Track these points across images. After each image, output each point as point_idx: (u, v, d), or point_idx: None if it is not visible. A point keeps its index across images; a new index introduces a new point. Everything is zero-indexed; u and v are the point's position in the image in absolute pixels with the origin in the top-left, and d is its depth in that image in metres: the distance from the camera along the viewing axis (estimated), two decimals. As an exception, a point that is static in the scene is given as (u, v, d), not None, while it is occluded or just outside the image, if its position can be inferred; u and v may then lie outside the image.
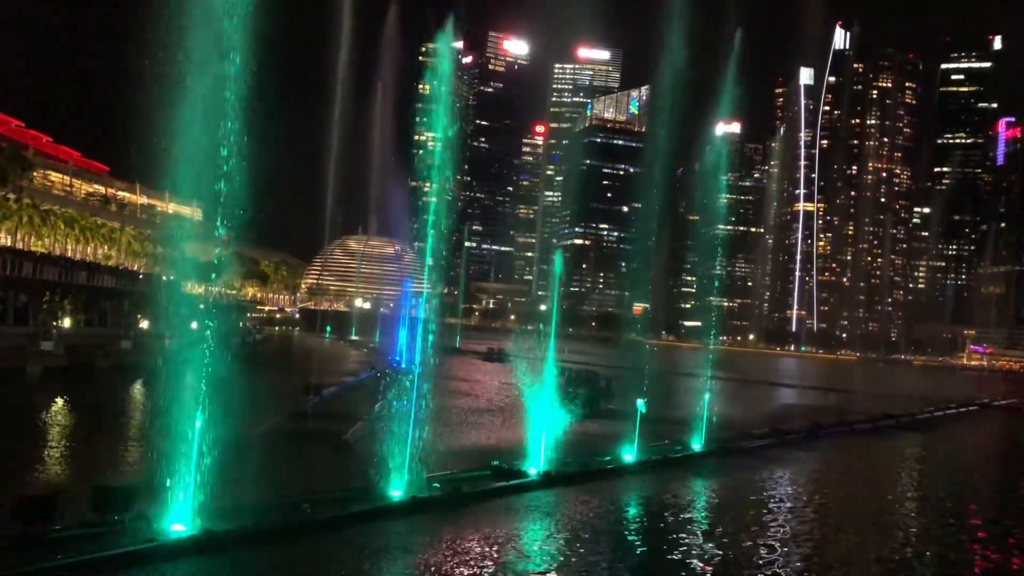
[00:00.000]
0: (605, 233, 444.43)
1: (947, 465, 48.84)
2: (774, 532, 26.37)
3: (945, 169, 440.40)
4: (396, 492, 24.49)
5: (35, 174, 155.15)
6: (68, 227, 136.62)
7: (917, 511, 32.80)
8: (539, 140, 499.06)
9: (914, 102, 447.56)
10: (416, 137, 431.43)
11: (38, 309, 60.16)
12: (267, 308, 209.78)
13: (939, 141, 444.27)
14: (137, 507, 19.29)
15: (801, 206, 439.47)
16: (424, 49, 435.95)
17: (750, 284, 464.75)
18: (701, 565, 21.89)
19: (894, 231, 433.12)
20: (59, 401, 43.24)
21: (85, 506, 19.04)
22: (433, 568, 19.73)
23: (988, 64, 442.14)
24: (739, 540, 24.93)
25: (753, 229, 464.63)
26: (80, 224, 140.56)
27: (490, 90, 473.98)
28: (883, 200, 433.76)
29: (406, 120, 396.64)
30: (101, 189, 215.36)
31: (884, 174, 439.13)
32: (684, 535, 25.14)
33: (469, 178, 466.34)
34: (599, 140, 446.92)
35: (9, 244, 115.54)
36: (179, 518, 19.42)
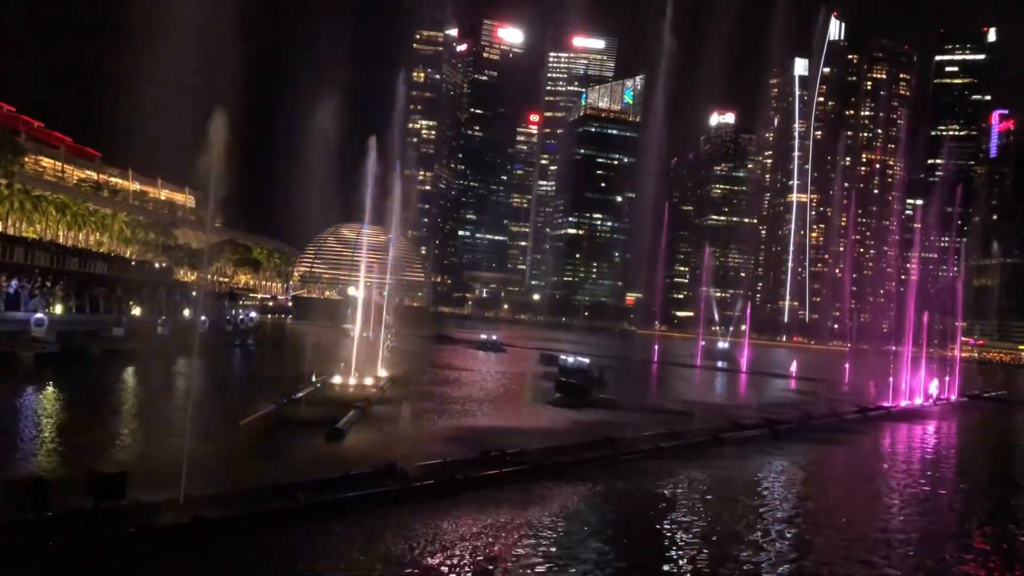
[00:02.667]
0: (599, 223, 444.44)
1: (935, 451, 49.25)
2: (764, 518, 26.56)
3: (938, 161, 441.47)
4: (390, 479, 24.55)
5: (27, 159, 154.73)
6: (60, 213, 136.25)
7: (907, 495, 33.04)
8: (533, 129, 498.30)
9: (908, 94, 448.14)
10: (410, 125, 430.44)
11: (30, 295, 59.84)
12: (260, 296, 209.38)
13: (932, 133, 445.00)
14: (130, 493, 19.29)
15: (794, 197, 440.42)
16: (419, 36, 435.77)
17: (743, 275, 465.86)
18: (694, 549, 22.07)
19: (886, 222, 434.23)
20: (51, 387, 43.18)
21: (78, 492, 19.02)
22: (426, 555, 19.82)
23: (982, 56, 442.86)
24: (731, 526, 25.10)
25: (746, 220, 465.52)
26: (72, 210, 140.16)
27: (484, 78, 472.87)
28: (876, 191, 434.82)
29: (401, 107, 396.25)
30: (93, 175, 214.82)
31: (877, 165, 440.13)
32: (676, 522, 25.30)
33: (463, 166, 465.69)
34: (593, 129, 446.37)
35: (0, 229, 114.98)
36: (172, 505, 19.45)
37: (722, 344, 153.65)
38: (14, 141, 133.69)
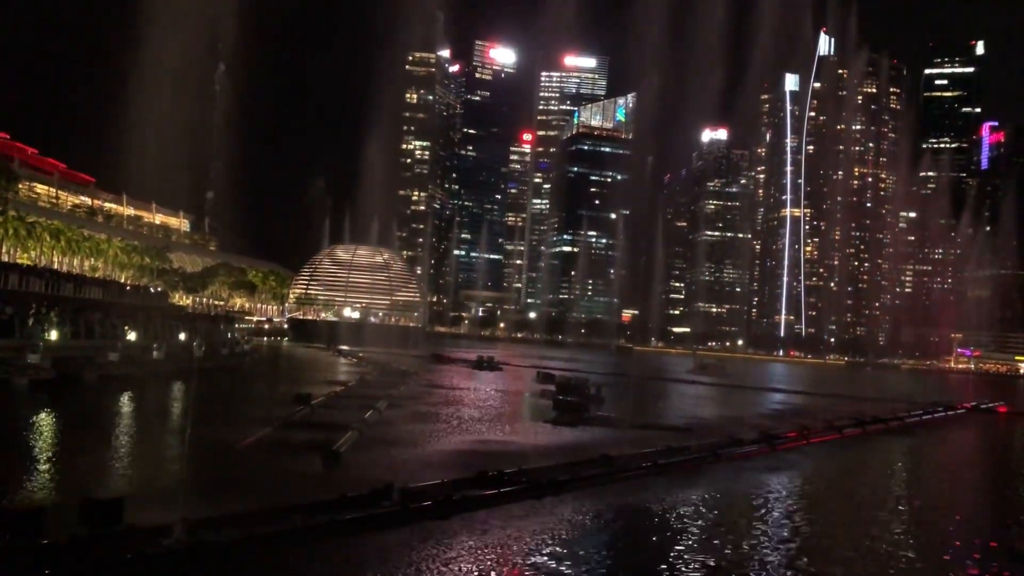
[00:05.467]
0: (593, 240, 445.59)
1: (936, 464, 49.18)
2: (764, 535, 26.46)
3: (930, 173, 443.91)
4: (387, 501, 24.42)
5: (21, 186, 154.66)
6: (54, 239, 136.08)
7: (906, 510, 32.96)
8: (527, 148, 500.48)
9: (898, 107, 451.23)
10: (403, 146, 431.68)
11: (24, 322, 59.78)
12: (255, 319, 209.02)
13: (924, 146, 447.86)
14: (127, 519, 19.17)
15: (788, 211, 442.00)
16: (411, 57, 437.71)
17: (738, 289, 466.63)
18: (696, 567, 21.94)
19: (880, 235, 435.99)
20: (45, 413, 42.97)
21: (74, 519, 18.89)
22: (425, 577, 19.71)
23: (971, 69, 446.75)
24: (734, 544, 24.99)
25: (740, 235, 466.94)
26: (66, 236, 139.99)
27: (477, 98, 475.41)
28: (868, 205, 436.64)
29: (396, 127, 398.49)
30: (87, 200, 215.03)
31: (870, 179, 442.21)
32: (677, 540, 25.17)
33: (457, 186, 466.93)
34: (586, 147, 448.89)
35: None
36: (168, 530, 19.32)
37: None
38: (8, 168, 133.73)
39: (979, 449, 62.82)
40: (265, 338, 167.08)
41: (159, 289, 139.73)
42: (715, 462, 38.94)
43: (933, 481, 43.37)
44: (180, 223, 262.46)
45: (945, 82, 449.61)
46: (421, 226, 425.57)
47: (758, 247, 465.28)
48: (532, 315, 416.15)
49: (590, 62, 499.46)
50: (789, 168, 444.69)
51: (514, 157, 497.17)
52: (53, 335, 60.79)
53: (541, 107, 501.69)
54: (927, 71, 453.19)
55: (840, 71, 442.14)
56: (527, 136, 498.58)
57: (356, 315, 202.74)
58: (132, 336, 71.76)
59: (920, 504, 35.34)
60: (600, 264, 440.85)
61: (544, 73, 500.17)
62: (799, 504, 33.13)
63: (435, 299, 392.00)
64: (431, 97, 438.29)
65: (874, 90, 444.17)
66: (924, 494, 38.45)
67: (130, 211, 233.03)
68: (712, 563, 22.70)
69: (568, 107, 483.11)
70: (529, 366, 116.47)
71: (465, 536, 23.35)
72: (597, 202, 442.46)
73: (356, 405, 49.07)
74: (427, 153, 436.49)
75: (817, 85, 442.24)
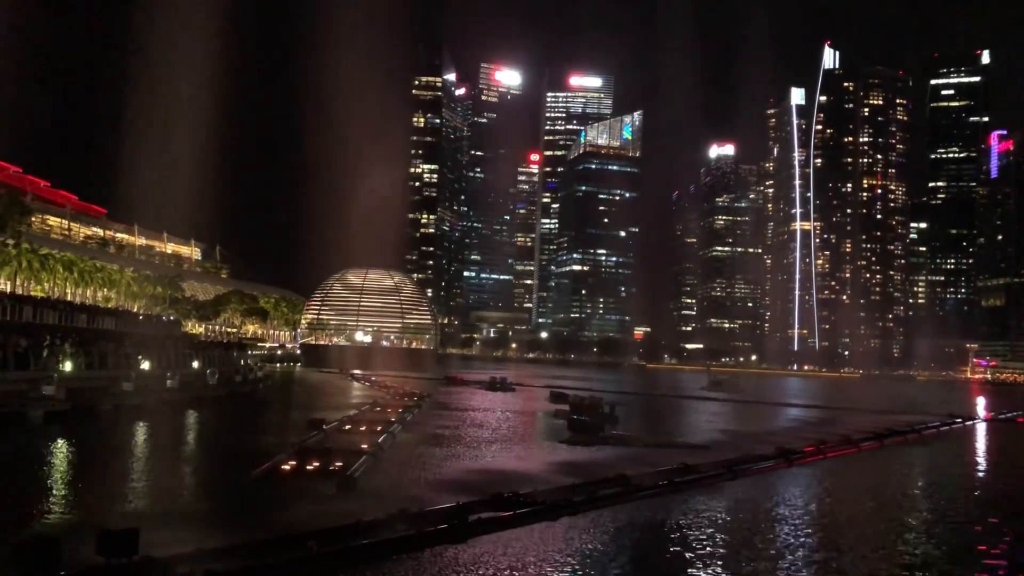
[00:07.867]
0: (603, 258, 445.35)
1: (952, 478, 48.55)
2: (783, 552, 26.19)
3: (940, 183, 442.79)
4: (402, 525, 24.30)
5: (33, 219, 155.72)
6: (67, 271, 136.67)
7: (922, 524, 32.59)
8: (534, 168, 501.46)
9: (906, 118, 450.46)
10: (412, 170, 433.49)
11: (39, 354, 60.05)
12: (268, 345, 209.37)
13: (932, 156, 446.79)
14: (143, 549, 19.13)
15: (798, 225, 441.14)
16: (417, 82, 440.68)
17: (750, 304, 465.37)
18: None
19: (891, 247, 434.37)
20: (61, 445, 43.08)
21: (90, 550, 18.86)
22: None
23: (977, 78, 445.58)
24: (750, 562, 24.73)
25: (751, 249, 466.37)
26: (79, 267, 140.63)
27: (484, 121, 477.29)
28: (879, 216, 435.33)
29: (404, 150, 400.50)
30: (99, 231, 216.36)
31: (879, 190, 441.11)
32: (697, 558, 24.94)
33: (466, 208, 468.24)
34: (594, 166, 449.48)
35: (8, 289, 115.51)
36: (185, 559, 19.28)
37: None
38: (20, 202, 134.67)
39: (998, 462, 61.96)
40: (278, 364, 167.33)
41: (172, 318, 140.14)
42: (732, 479, 38.61)
43: (952, 499, 42.83)
44: (191, 251, 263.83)
45: (952, 92, 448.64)
46: (431, 248, 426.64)
47: (769, 261, 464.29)
48: (544, 335, 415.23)
49: (595, 81, 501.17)
50: (798, 182, 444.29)
51: (522, 178, 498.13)
52: (67, 366, 61.01)
53: (548, 127, 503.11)
54: (933, 82, 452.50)
55: (846, 84, 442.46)
56: (534, 157, 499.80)
57: (368, 339, 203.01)
58: (146, 365, 71.95)
59: (950, 530, 34.93)
60: (611, 282, 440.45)
61: (550, 94, 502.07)
62: (817, 524, 32.82)
63: (446, 321, 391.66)
64: (438, 121, 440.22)
65: (880, 102, 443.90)
66: (949, 516, 37.98)
67: (142, 241, 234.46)
68: (725, 569, 22.47)
69: (575, 127, 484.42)
70: (542, 386, 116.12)
71: (480, 558, 23.19)
72: (606, 220, 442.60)
73: (370, 429, 49.01)
74: (436, 176, 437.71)
75: (823, 98, 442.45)
